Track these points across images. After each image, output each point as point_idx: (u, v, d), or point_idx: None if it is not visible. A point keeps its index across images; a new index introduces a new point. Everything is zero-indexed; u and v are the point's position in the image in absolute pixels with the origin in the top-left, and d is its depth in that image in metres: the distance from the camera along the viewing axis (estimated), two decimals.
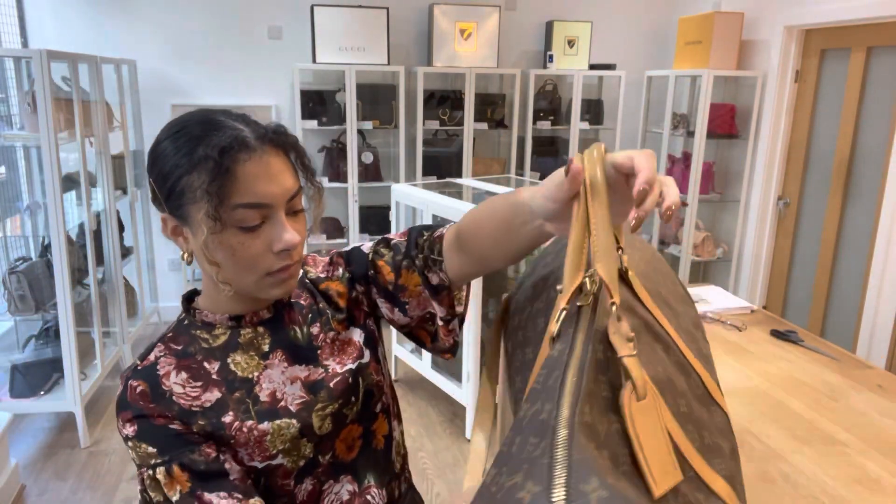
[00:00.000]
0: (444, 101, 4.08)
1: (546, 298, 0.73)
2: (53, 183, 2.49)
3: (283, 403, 0.81)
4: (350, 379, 0.86)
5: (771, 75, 3.60)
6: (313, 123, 3.81)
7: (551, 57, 4.17)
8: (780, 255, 3.74)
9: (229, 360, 0.81)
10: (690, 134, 3.89)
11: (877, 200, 3.07)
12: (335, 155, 3.95)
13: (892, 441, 1.22)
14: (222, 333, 0.83)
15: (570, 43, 4.17)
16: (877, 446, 1.20)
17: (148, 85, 3.77)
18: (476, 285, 2.61)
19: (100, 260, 3.11)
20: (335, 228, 4.07)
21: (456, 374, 2.90)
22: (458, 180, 3.54)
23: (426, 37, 4.10)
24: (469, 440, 2.82)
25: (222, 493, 0.74)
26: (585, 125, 4.26)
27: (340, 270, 0.92)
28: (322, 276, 0.92)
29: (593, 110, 4.32)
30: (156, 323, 3.99)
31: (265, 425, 0.79)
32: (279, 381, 0.82)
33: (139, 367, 0.79)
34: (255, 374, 0.81)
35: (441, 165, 4.14)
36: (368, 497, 0.89)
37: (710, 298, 2.00)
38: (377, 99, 3.94)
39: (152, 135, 0.79)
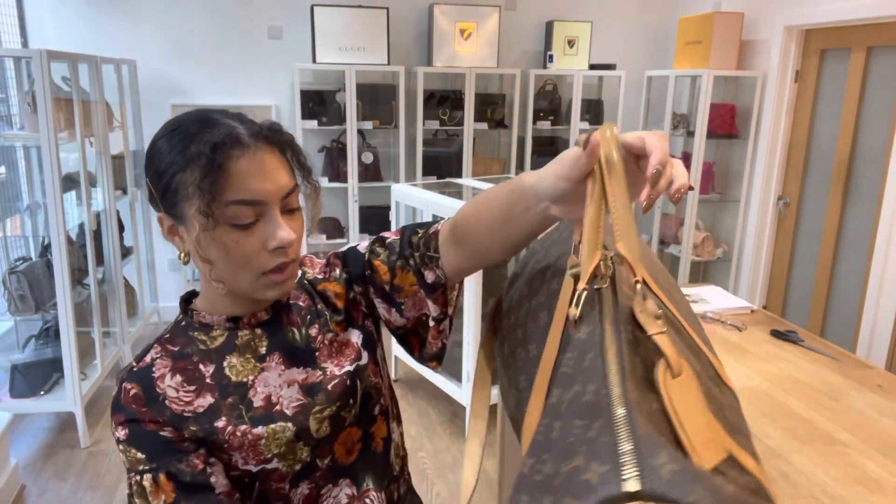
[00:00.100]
0: (444, 101, 4.08)
1: (547, 292, 0.73)
2: (53, 183, 2.49)
3: (278, 407, 0.80)
4: (348, 381, 0.85)
5: (771, 75, 3.60)
6: (313, 123, 3.81)
7: (551, 57, 4.17)
8: (780, 255, 3.74)
9: (225, 363, 0.81)
10: (690, 134, 3.89)
11: (877, 200, 3.07)
12: (335, 155, 3.95)
13: (892, 441, 1.22)
14: (220, 335, 0.82)
15: (570, 43, 4.17)
16: (877, 446, 1.20)
17: (148, 85, 3.77)
18: (476, 285, 2.61)
19: (100, 260, 3.11)
20: (335, 228, 4.07)
21: (456, 374, 2.90)
22: (458, 180, 3.54)
23: (426, 37, 4.10)
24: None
25: None
26: (585, 125, 4.26)
27: (338, 271, 0.91)
28: (320, 277, 0.91)
29: (593, 110, 4.32)
30: (156, 323, 3.99)
31: (259, 429, 0.78)
32: (275, 384, 0.81)
33: (134, 369, 0.79)
34: (251, 377, 0.81)
35: (441, 165, 4.14)
36: (367, 500, 0.88)
37: (710, 298, 2.00)
38: (377, 99, 3.94)
39: (152, 135, 0.79)
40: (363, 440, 0.88)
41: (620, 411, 0.42)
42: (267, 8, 3.86)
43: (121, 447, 0.76)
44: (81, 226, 2.99)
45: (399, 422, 0.98)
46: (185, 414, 0.77)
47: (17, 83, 2.90)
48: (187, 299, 0.87)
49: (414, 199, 2.96)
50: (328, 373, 0.84)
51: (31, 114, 2.55)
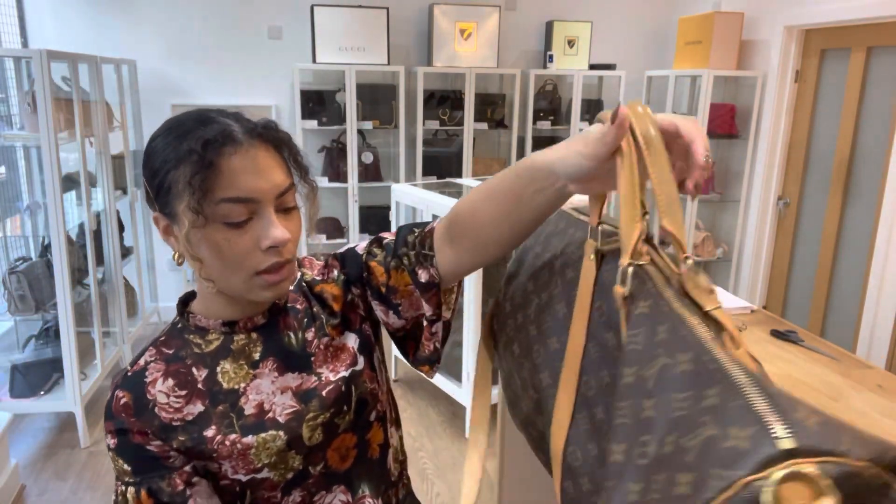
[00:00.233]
0: (444, 101, 4.09)
1: (561, 283, 0.71)
2: (53, 183, 2.49)
3: (270, 415, 0.79)
4: (343, 387, 0.83)
5: (771, 75, 3.60)
6: (313, 123, 3.81)
7: (551, 57, 4.17)
8: (780, 255, 3.74)
9: (218, 369, 0.79)
10: None
11: (877, 200, 3.07)
12: (335, 155, 3.95)
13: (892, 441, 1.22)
14: (215, 339, 0.81)
15: (570, 43, 4.17)
16: None
17: (148, 85, 3.77)
18: (476, 285, 2.61)
19: (100, 260, 3.10)
20: (335, 228, 4.07)
21: (456, 374, 2.90)
22: (458, 180, 3.54)
23: (426, 37, 4.10)
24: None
25: None
26: (585, 125, 4.26)
27: (335, 272, 0.89)
28: (318, 278, 0.89)
29: (593, 110, 4.31)
30: (156, 323, 3.98)
31: (249, 439, 0.77)
32: (268, 391, 0.80)
33: (128, 374, 0.78)
34: (243, 385, 0.79)
35: (441, 165, 4.14)
36: None
37: None
38: (377, 99, 3.94)
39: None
40: (358, 446, 0.86)
41: (737, 372, 0.41)
42: (267, 8, 3.86)
43: (110, 454, 0.77)
44: (81, 226, 2.99)
45: (398, 425, 0.96)
46: (175, 423, 0.76)
47: (17, 83, 2.90)
48: (185, 301, 0.85)
49: (414, 199, 2.96)
50: (323, 378, 0.82)
51: (31, 114, 2.55)
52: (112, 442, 0.76)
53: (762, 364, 0.46)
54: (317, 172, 4.00)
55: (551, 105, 4.27)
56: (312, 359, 0.83)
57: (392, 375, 3.40)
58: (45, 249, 2.79)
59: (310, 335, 0.84)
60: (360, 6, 3.77)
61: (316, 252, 0.95)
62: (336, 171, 3.95)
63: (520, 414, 0.83)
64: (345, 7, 3.74)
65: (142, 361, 0.79)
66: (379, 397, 0.89)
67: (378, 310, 0.88)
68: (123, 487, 0.76)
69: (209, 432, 0.77)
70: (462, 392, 2.83)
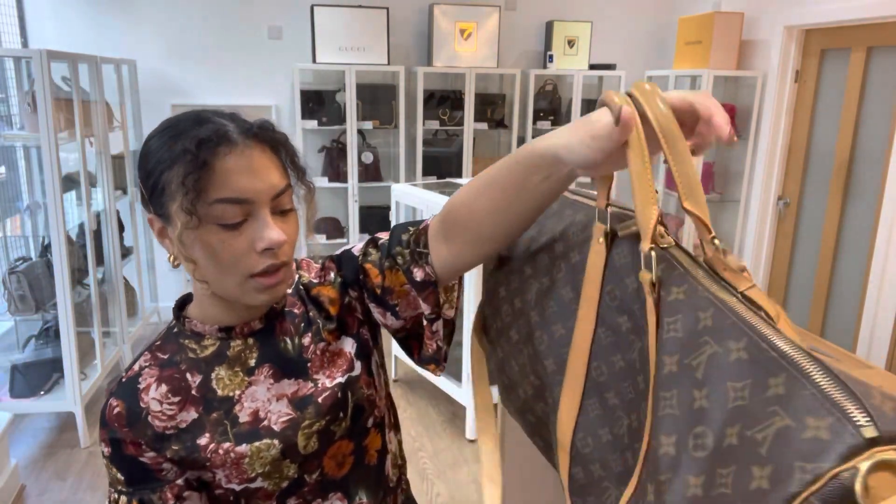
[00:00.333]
0: (444, 101, 4.08)
1: (565, 266, 0.69)
2: (53, 183, 2.49)
3: (265, 423, 0.78)
4: (339, 393, 0.81)
5: (771, 75, 3.60)
6: (313, 123, 3.81)
7: (551, 57, 4.17)
8: (780, 255, 3.74)
9: (213, 375, 0.78)
10: None
11: (877, 200, 3.07)
12: (335, 155, 3.95)
13: None
14: (211, 344, 0.80)
15: (570, 43, 4.17)
16: None
17: (148, 85, 3.77)
18: (476, 284, 2.61)
19: (100, 260, 3.10)
20: (335, 228, 4.07)
21: (456, 374, 2.90)
22: (458, 180, 3.54)
23: (426, 37, 4.10)
24: (470, 440, 2.83)
25: None
26: None
27: (332, 275, 0.87)
28: (315, 281, 0.87)
29: (593, 110, 4.31)
30: (156, 323, 3.98)
31: (243, 447, 0.76)
32: (263, 398, 0.79)
33: (122, 381, 0.78)
34: (237, 392, 0.78)
35: (441, 165, 4.14)
36: None
37: None
38: (377, 99, 3.94)
39: None
40: (355, 453, 0.85)
41: (802, 359, 0.40)
42: (267, 8, 3.86)
43: (104, 461, 0.77)
44: (81, 226, 2.99)
45: (397, 430, 0.94)
46: (168, 431, 0.75)
47: (17, 83, 2.90)
48: (181, 305, 0.84)
49: (414, 200, 2.95)
50: (319, 385, 0.81)
51: (31, 114, 2.55)
52: (106, 450, 0.76)
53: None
54: (317, 172, 4.00)
55: (551, 105, 4.27)
56: (309, 365, 0.81)
57: (392, 375, 3.40)
58: (45, 249, 2.79)
59: (306, 340, 0.83)
60: (360, 6, 3.77)
61: (315, 253, 0.94)
62: (336, 171, 3.95)
63: (516, 401, 0.81)
64: (345, 7, 3.74)
65: (136, 367, 0.79)
66: (376, 403, 0.87)
67: (375, 312, 0.86)
68: (116, 496, 0.76)
69: (203, 440, 0.76)
70: (462, 392, 2.83)
